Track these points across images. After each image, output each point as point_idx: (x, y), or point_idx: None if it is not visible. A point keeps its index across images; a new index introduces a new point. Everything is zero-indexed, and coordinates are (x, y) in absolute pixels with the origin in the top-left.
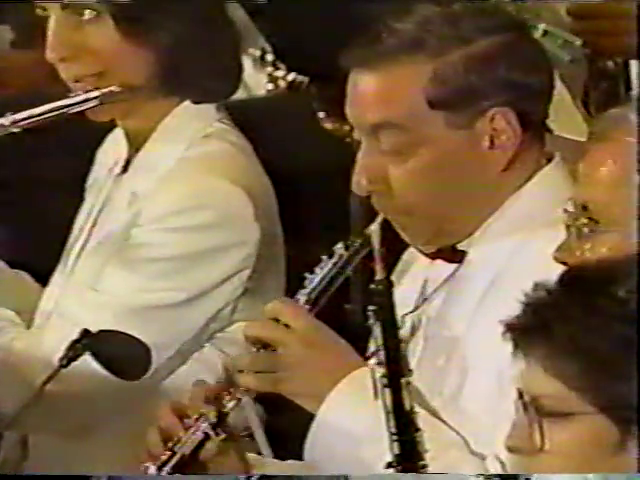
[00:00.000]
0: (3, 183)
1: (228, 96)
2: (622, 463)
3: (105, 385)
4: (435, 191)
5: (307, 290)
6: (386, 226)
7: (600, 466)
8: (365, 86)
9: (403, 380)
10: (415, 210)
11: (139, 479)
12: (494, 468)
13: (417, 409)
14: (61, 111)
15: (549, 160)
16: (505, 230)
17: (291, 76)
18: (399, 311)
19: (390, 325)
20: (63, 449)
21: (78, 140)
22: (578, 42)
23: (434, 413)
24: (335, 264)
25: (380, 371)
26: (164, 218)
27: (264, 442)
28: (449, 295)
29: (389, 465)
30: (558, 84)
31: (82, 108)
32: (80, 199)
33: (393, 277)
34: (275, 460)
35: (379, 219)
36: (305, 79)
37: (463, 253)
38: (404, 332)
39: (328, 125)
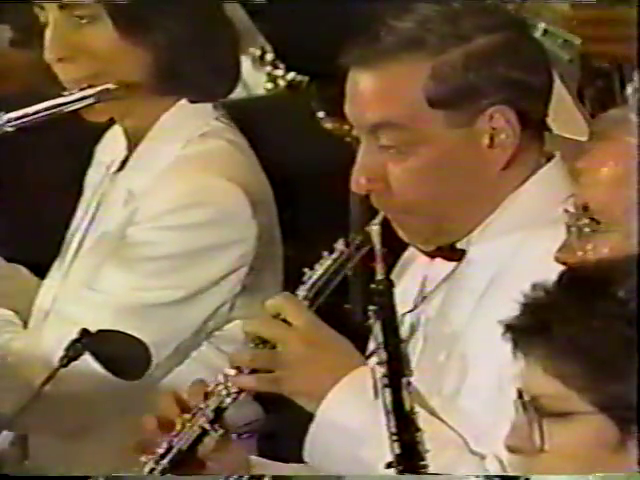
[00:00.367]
0: (1, 181)
1: (226, 95)
2: (622, 463)
3: (104, 385)
4: (434, 190)
5: (306, 286)
6: (386, 225)
7: (600, 466)
8: (364, 85)
9: (404, 380)
10: (414, 209)
11: (139, 479)
12: (493, 467)
13: (417, 409)
14: (56, 110)
15: (549, 159)
16: (505, 229)
17: (290, 75)
18: (398, 309)
19: (391, 325)
20: (63, 449)
21: (78, 137)
22: (578, 42)
23: (433, 412)
24: (335, 260)
25: (380, 371)
26: (161, 216)
27: None
28: (449, 293)
29: (389, 465)
30: (557, 83)
31: (78, 106)
32: (78, 196)
33: (392, 275)
34: (275, 462)
35: (379, 218)
36: (304, 78)
37: (462, 252)
38: (403, 331)
39: (327, 124)
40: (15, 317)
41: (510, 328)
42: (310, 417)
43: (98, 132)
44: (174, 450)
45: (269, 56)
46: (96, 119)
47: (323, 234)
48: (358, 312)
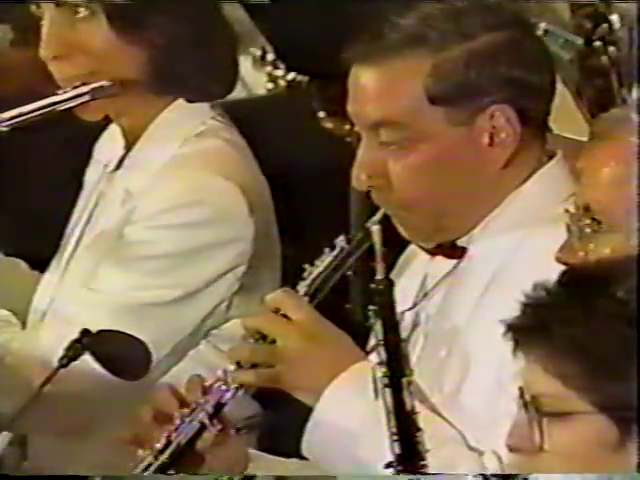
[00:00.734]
0: (1, 178)
1: (223, 96)
2: (622, 463)
3: (104, 385)
4: (434, 187)
5: (307, 282)
6: (386, 223)
7: (600, 466)
8: (366, 81)
9: (404, 380)
10: (414, 205)
11: (139, 479)
12: (491, 463)
13: (417, 407)
14: (51, 108)
15: (551, 158)
16: (505, 227)
17: (291, 75)
18: (398, 307)
19: (391, 325)
20: (62, 449)
21: (77, 135)
22: (579, 42)
23: (433, 408)
24: (336, 256)
25: (381, 371)
26: (158, 215)
27: None
28: (449, 291)
29: (389, 465)
30: (559, 84)
31: (73, 104)
32: (76, 194)
33: (393, 273)
34: (274, 457)
35: (379, 215)
36: (305, 78)
37: (463, 249)
38: (403, 328)
39: (328, 124)
40: (13, 317)
41: (511, 328)
42: (309, 412)
43: (98, 130)
44: (173, 445)
45: (270, 56)
46: (90, 118)
47: (323, 234)
48: (358, 312)
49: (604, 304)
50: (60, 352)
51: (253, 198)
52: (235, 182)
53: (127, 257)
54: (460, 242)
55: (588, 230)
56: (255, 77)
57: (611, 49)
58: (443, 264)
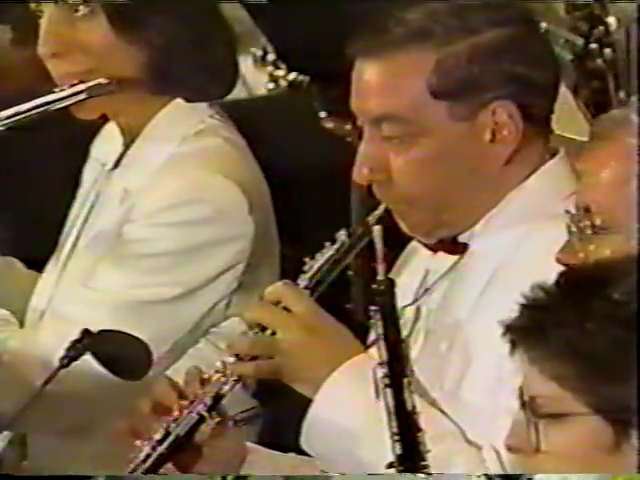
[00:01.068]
0: None
1: (222, 97)
2: (618, 464)
3: (104, 385)
4: (435, 182)
5: (307, 275)
6: (387, 221)
7: (597, 467)
8: (369, 75)
9: (405, 380)
10: (416, 200)
11: (139, 479)
12: (490, 458)
13: (417, 406)
14: (48, 107)
15: (553, 155)
16: (507, 222)
17: (292, 75)
18: (399, 302)
19: (392, 325)
20: (63, 449)
21: (75, 133)
22: (580, 42)
23: (433, 404)
24: (337, 250)
25: (382, 371)
26: (157, 213)
27: None
28: (451, 286)
29: (390, 465)
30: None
31: (69, 102)
32: (74, 193)
33: (394, 269)
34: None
35: (380, 210)
36: (306, 78)
37: (465, 245)
38: (404, 323)
39: (329, 124)
40: (11, 316)
41: (508, 329)
42: (308, 405)
43: (95, 129)
44: (171, 436)
45: (270, 56)
46: (86, 116)
47: (322, 234)
48: (359, 312)
49: (600, 306)
50: (61, 352)
51: (253, 196)
52: (235, 180)
53: (126, 255)
54: (461, 238)
55: (588, 231)
56: (256, 77)
57: (607, 51)
58: (444, 260)
